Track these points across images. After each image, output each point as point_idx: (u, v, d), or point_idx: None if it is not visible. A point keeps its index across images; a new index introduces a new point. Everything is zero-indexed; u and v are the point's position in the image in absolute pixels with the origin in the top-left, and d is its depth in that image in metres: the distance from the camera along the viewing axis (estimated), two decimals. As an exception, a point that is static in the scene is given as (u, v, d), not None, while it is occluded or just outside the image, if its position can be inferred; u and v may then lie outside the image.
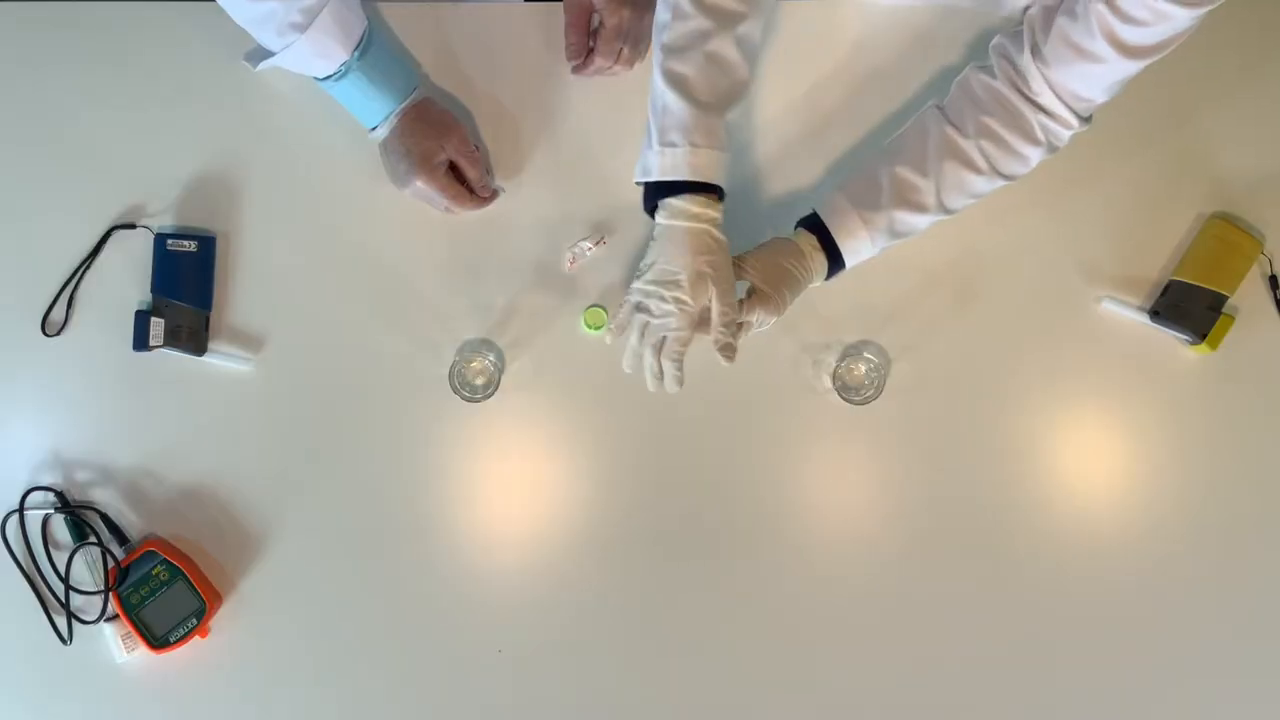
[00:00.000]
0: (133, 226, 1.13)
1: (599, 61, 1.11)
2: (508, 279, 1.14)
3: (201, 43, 1.13)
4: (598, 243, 1.13)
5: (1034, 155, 1.02)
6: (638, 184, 1.03)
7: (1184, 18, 0.89)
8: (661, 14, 1.00)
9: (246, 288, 1.13)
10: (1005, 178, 1.04)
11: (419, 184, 1.08)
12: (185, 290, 1.11)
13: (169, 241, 1.12)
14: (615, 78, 1.14)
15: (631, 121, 1.14)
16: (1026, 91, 1.00)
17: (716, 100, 0.99)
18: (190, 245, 1.12)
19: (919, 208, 1.03)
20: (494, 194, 1.13)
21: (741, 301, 1.02)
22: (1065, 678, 1.13)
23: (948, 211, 1.04)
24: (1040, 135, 1.01)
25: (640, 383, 1.13)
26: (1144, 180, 1.16)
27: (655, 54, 1.00)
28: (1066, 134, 1.02)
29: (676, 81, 0.98)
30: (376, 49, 1.07)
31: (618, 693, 1.12)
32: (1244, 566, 1.13)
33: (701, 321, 1.01)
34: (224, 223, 1.14)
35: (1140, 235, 1.15)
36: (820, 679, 1.12)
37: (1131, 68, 0.94)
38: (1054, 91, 0.98)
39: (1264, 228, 1.15)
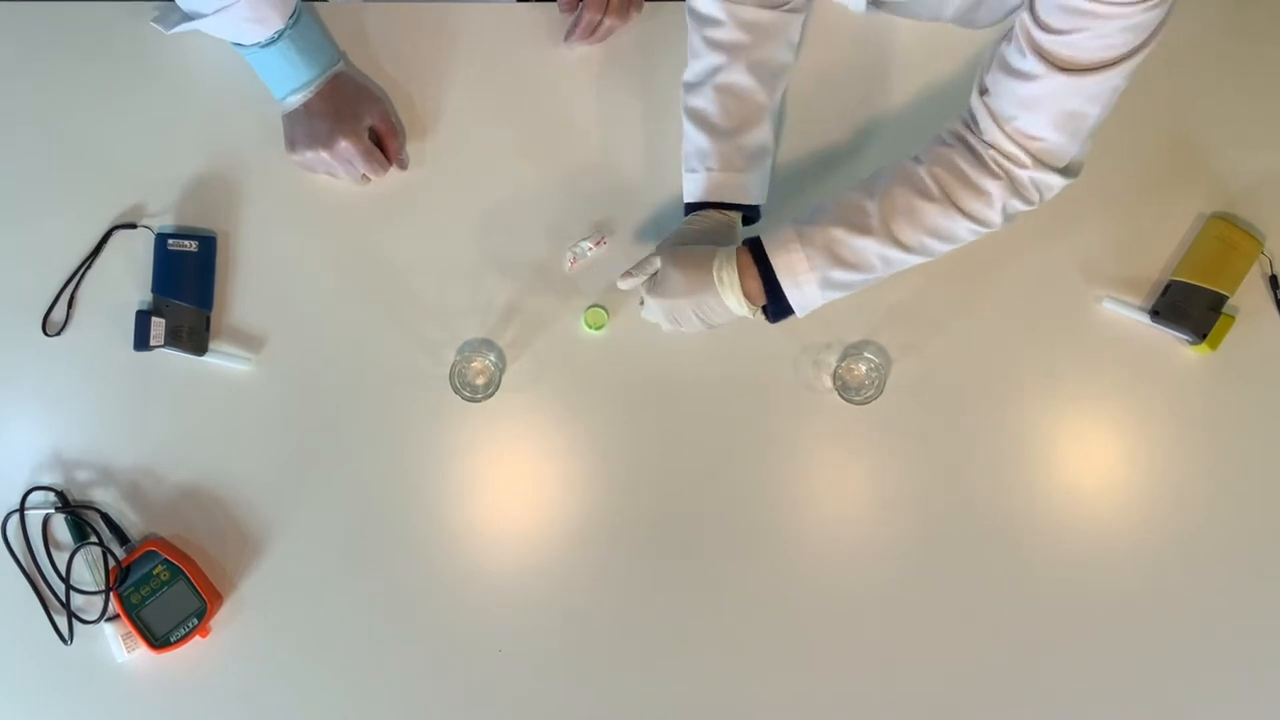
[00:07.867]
0: (133, 226, 1.13)
1: (589, 16, 1.12)
2: (508, 279, 1.14)
3: (202, 43, 1.13)
4: (598, 243, 1.13)
5: (995, 190, 0.96)
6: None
7: (1105, 16, 0.84)
8: (688, 56, 1.08)
9: (247, 288, 1.14)
10: (964, 214, 0.98)
11: (344, 144, 1.09)
12: (185, 290, 1.11)
13: (169, 241, 1.12)
14: (620, 86, 1.14)
15: (632, 123, 1.15)
16: (975, 130, 0.98)
17: (733, 127, 1.05)
18: (190, 245, 1.12)
19: (861, 229, 0.98)
20: (405, 164, 1.14)
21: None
22: (1065, 676, 1.13)
23: (896, 241, 0.98)
24: (996, 169, 0.96)
25: (640, 383, 1.13)
26: (1144, 180, 1.16)
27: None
28: (1021, 173, 0.96)
29: (694, 116, 1.07)
30: (306, 19, 1.08)
31: (618, 692, 1.12)
32: (1245, 566, 1.13)
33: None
34: (224, 223, 1.14)
35: (1140, 235, 1.15)
36: (820, 678, 1.12)
37: (1066, 88, 0.90)
38: (1000, 128, 0.95)
39: (1264, 228, 1.15)
